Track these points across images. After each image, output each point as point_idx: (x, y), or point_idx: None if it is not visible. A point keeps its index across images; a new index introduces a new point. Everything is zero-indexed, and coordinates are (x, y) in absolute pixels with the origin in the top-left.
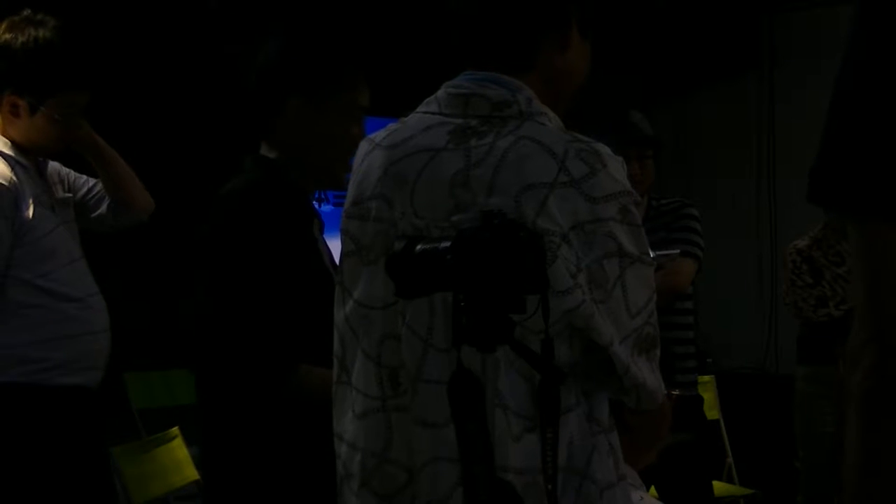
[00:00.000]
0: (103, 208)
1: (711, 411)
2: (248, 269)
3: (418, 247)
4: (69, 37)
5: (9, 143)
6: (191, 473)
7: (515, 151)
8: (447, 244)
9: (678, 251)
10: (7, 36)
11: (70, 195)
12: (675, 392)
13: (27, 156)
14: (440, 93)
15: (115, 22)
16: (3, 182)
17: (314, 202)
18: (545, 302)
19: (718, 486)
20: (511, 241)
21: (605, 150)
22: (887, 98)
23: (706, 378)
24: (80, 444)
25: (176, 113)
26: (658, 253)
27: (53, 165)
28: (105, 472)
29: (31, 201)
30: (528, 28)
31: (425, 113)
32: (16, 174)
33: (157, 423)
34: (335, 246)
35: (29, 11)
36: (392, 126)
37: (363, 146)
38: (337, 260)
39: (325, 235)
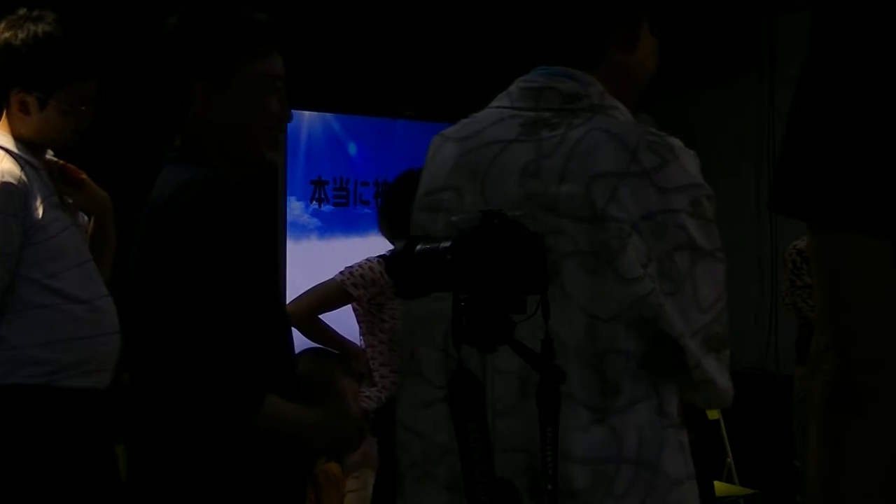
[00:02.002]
0: None
1: (711, 411)
2: (220, 292)
3: (418, 247)
4: (69, 28)
5: (18, 142)
6: None
7: (587, 141)
8: (447, 244)
9: None
10: (7, 34)
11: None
12: None
13: (37, 155)
14: (512, 87)
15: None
16: (13, 181)
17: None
18: (545, 302)
19: (718, 486)
20: (511, 241)
21: (678, 143)
22: (845, 106)
23: None
24: (89, 447)
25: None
26: None
27: None
28: (114, 475)
29: (40, 201)
30: (596, 23)
31: (497, 107)
32: (25, 174)
33: None
34: (334, 247)
35: (25, 10)
36: (464, 121)
37: (435, 141)
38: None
39: (326, 235)
